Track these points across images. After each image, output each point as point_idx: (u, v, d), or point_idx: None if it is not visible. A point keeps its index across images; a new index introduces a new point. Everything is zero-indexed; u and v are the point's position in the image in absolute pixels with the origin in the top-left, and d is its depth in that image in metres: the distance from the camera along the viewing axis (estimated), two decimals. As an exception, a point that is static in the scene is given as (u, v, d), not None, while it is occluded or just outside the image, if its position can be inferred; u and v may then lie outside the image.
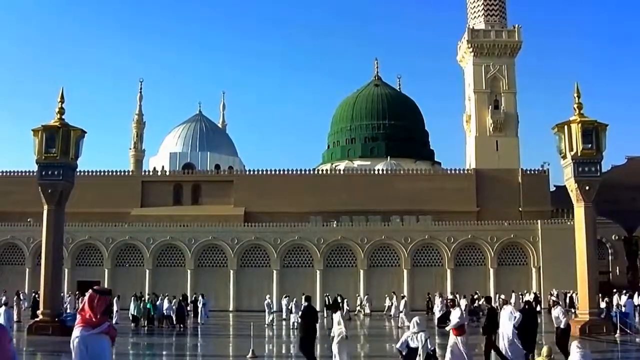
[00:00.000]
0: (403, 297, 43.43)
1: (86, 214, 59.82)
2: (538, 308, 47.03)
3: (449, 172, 72.44)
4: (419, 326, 14.91)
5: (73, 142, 31.71)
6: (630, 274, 65.33)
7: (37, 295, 48.98)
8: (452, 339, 17.24)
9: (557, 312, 21.53)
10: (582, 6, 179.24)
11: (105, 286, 56.49)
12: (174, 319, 37.28)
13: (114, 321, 40.11)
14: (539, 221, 59.58)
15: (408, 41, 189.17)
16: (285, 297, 43.74)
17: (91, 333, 6.88)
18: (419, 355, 14.78)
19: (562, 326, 21.04)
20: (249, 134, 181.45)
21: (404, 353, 15.11)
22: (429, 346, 14.86)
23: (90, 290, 7.16)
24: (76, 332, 6.91)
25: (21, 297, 45.05)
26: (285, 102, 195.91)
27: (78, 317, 7.08)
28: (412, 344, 14.91)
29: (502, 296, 23.07)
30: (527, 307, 20.99)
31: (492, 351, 19.08)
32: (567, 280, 45.21)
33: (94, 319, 6.94)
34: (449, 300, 44.15)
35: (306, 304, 19.84)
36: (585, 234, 31.06)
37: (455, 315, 17.87)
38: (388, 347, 27.25)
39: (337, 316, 19.02)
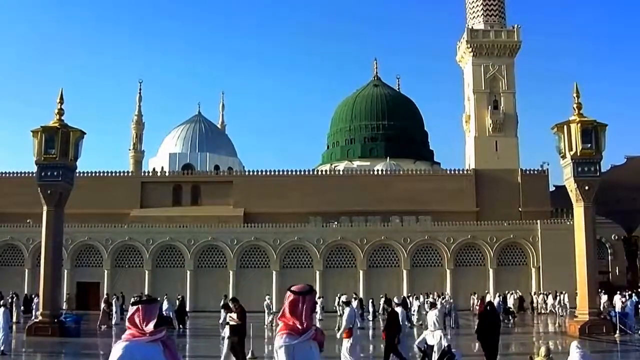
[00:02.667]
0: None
1: (85, 215, 59.78)
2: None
3: (448, 172, 72.44)
4: (435, 325, 15.56)
5: (72, 143, 31.72)
6: (629, 273, 65.39)
7: (29, 296, 49.11)
8: (344, 342, 17.14)
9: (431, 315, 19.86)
10: (581, 6, 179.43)
11: (105, 288, 56.52)
12: (174, 320, 37.22)
13: (113, 322, 40.22)
14: (538, 221, 59.59)
15: (407, 41, 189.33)
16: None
17: (298, 341, 5.91)
18: (435, 351, 15.40)
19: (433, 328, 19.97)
20: (249, 134, 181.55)
21: (422, 349, 15.89)
22: (444, 343, 15.39)
23: (289, 293, 6.04)
24: (279, 340, 5.97)
25: (18, 297, 45.00)
26: (284, 103, 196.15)
27: (280, 323, 6.06)
28: (430, 342, 15.59)
29: (430, 299, 22.64)
30: (488, 308, 20.09)
31: (392, 354, 18.48)
32: (567, 280, 45.20)
33: (298, 326, 5.91)
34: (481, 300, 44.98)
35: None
36: (584, 233, 31.09)
37: (345, 316, 17.63)
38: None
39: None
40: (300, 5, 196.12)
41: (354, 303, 38.77)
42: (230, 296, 54.39)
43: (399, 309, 19.49)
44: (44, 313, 30.63)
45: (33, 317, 35.32)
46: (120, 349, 5.50)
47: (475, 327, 18.86)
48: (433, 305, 19.71)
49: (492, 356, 17.86)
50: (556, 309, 49.35)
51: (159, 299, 7.42)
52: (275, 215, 62.74)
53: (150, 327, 5.51)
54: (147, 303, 5.60)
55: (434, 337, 16.00)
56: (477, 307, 46.24)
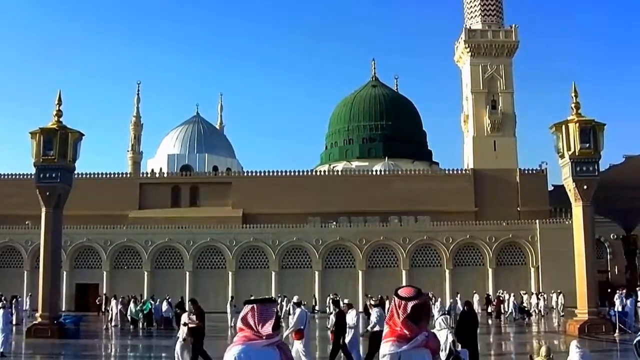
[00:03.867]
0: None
1: (84, 217, 59.68)
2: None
3: (447, 172, 72.49)
4: (442, 325, 15.79)
5: (71, 144, 31.70)
6: (628, 273, 65.35)
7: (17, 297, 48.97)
8: (294, 344, 17.10)
9: (374, 315, 19.63)
10: (578, 6, 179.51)
11: (104, 289, 56.53)
12: (173, 321, 37.23)
13: (112, 323, 40.21)
14: (537, 221, 59.63)
15: (405, 42, 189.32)
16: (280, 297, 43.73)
17: (405, 349, 5.42)
18: (442, 350, 15.62)
19: (376, 329, 18.80)
20: (247, 135, 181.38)
21: None
22: (451, 342, 15.53)
23: (395, 297, 5.57)
24: (384, 348, 5.50)
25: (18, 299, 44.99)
26: (282, 103, 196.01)
27: (386, 328, 5.58)
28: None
29: (346, 300, 22.48)
30: (466, 307, 19.75)
31: (341, 352, 18.41)
32: (566, 279, 45.21)
33: (406, 332, 5.43)
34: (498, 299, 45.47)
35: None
36: (583, 233, 31.11)
37: (294, 318, 17.56)
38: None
39: (351, 313, 19.11)
40: (298, 6, 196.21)
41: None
42: (229, 298, 54.56)
43: (375, 310, 19.31)
44: (43, 315, 30.60)
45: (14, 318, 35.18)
46: (236, 352, 5.08)
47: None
48: (447, 313, 19.94)
49: (473, 356, 17.70)
50: (540, 308, 49.75)
51: (273, 298, 6.94)
52: (274, 216, 62.75)
53: (267, 329, 5.11)
54: (262, 302, 5.24)
55: (441, 336, 16.25)
56: (494, 306, 46.74)
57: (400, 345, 5.44)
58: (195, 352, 18.34)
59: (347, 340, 18.73)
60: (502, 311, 47.17)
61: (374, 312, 19.14)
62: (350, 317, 18.91)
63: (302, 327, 17.14)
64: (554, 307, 51.48)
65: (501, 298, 48.75)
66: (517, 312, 45.96)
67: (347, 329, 18.78)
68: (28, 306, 49.22)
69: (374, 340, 18.01)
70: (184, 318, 19.00)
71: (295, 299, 18.25)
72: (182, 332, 18.78)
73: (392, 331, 5.54)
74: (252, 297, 5.49)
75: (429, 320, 5.75)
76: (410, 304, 5.46)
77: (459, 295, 46.75)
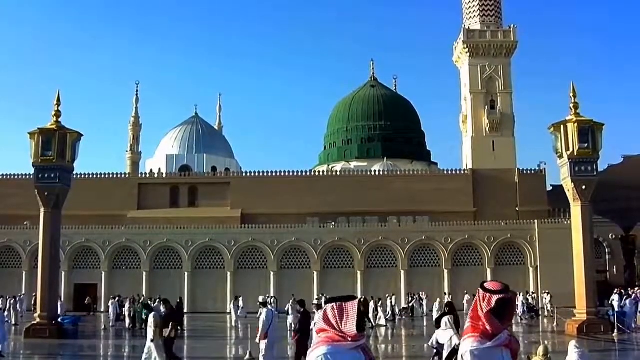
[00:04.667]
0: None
1: (83, 217, 59.65)
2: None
3: (445, 172, 72.51)
4: (446, 325, 16.12)
5: (69, 144, 31.68)
6: (627, 272, 65.47)
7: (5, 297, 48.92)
8: (261, 343, 17.06)
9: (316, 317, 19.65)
10: (577, 6, 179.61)
11: (103, 290, 56.50)
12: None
13: (110, 324, 40.20)
14: (536, 221, 59.62)
15: (404, 42, 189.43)
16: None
17: (487, 346, 5.08)
18: (445, 349, 16.03)
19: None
20: (246, 135, 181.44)
21: (434, 348, 17.19)
22: (455, 342, 16.09)
23: (480, 290, 5.21)
24: (467, 344, 5.16)
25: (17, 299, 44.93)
26: (281, 104, 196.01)
27: (468, 323, 5.23)
28: (441, 341, 16.73)
29: (315, 300, 22.21)
30: (447, 309, 19.30)
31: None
32: (565, 279, 45.21)
33: (489, 328, 5.08)
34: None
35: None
36: (582, 233, 31.13)
37: (261, 318, 17.38)
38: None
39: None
40: (296, 6, 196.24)
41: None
42: (228, 298, 54.53)
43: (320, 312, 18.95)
44: (41, 315, 30.59)
45: None
46: (321, 353, 4.72)
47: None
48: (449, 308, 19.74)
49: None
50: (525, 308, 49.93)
51: (358, 296, 6.38)
52: (272, 216, 62.75)
53: (351, 328, 4.69)
54: (346, 300, 4.82)
55: (444, 336, 16.57)
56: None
57: (483, 342, 5.11)
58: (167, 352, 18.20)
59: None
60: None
61: (262, 315, 18.19)
62: (261, 318, 18.31)
63: (267, 327, 17.08)
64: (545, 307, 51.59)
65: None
66: (526, 311, 46.18)
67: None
68: (24, 306, 49.31)
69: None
70: (152, 319, 18.84)
71: (260, 299, 18.03)
72: (150, 333, 18.65)
73: (473, 327, 5.18)
74: (491, 287, 5.14)
75: (512, 320, 5.32)
76: (495, 297, 5.12)
77: (450, 296, 47.09)
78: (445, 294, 53.16)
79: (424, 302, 52.36)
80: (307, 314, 19.05)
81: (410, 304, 51.04)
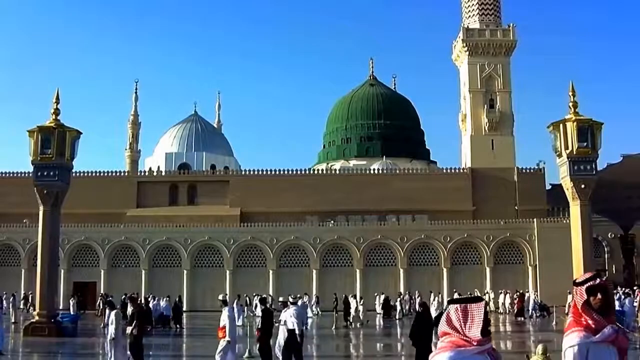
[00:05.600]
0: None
1: (82, 215, 59.68)
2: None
3: (444, 171, 72.56)
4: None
5: (69, 143, 31.67)
6: (626, 272, 65.46)
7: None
8: (221, 342, 17.03)
9: (286, 315, 18.65)
10: (576, 4, 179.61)
11: (102, 287, 56.45)
12: (171, 320, 37.25)
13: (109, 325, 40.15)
14: (535, 220, 59.61)
15: (403, 40, 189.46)
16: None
17: (591, 340, 4.77)
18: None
19: (291, 327, 18.44)
20: (245, 134, 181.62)
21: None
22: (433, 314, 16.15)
23: (574, 286, 4.97)
24: (569, 339, 4.84)
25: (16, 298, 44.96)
26: (280, 102, 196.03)
27: (569, 318, 4.98)
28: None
29: (281, 298, 22.06)
30: (420, 310, 18.89)
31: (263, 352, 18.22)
32: (564, 278, 45.20)
33: (590, 322, 4.79)
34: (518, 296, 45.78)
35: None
36: (581, 232, 31.16)
37: (223, 316, 17.30)
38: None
39: (288, 311, 18.62)
40: (296, 4, 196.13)
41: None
42: (227, 297, 54.52)
43: (292, 308, 18.61)
44: (40, 313, 30.60)
45: None
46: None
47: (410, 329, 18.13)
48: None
49: (424, 356, 17.34)
50: (507, 307, 50.04)
51: (484, 297, 5.50)
52: (271, 215, 62.77)
53: (475, 333, 4.42)
54: (471, 302, 4.54)
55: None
56: (516, 304, 46.97)
57: (588, 336, 4.82)
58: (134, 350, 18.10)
59: (280, 339, 18.37)
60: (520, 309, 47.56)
61: (289, 310, 18.21)
62: (287, 316, 18.31)
63: (224, 325, 16.99)
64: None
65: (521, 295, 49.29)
66: (537, 309, 46.28)
67: (282, 328, 18.27)
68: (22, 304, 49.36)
69: (294, 338, 17.95)
70: (113, 316, 18.79)
71: (220, 297, 17.99)
72: (112, 330, 18.52)
73: (576, 321, 4.92)
74: (588, 282, 4.85)
75: (614, 310, 4.97)
76: (583, 288, 4.86)
77: (434, 296, 46.95)
78: (263, 297, 51.41)
79: (413, 302, 51.25)
80: (268, 312, 18.98)
81: (394, 303, 50.68)
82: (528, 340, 32.94)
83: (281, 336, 18.35)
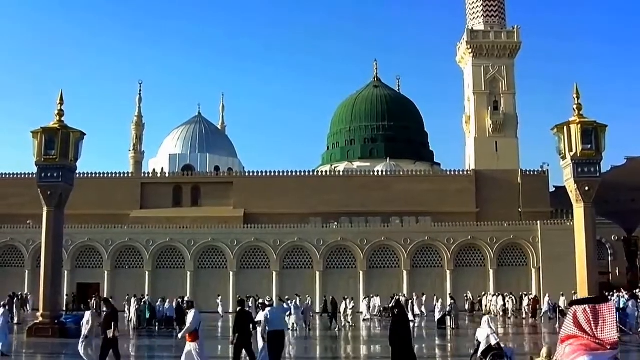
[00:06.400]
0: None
1: (86, 216, 59.79)
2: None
3: (448, 173, 72.50)
4: (486, 324, 17.15)
5: (72, 144, 31.65)
6: (630, 274, 65.31)
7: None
8: (187, 346, 16.91)
9: (259, 316, 18.93)
10: (581, 7, 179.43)
11: (105, 289, 56.49)
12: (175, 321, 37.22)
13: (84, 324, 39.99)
14: (538, 222, 59.57)
15: (407, 42, 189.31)
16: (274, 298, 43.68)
17: (599, 353, 4.42)
18: (481, 346, 17.68)
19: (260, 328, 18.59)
20: (249, 135, 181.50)
21: (475, 345, 18.63)
22: (493, 340, 17.50)
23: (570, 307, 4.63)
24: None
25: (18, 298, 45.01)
26: (284, 104, 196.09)
27: (575, 341, 4.57)
28: (479, 338, 18.05)
29: (262, 300, 22.05)
30: (396, 311, 18.13)
31: (244, 350, 18.18)
32: (567, 280, 45.17)
33: (590, 340, 4.41)
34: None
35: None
36: (585, 234, 31.04)
37: (189, 319, 17.27)
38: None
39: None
40: (300, 6, 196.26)
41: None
42: (230, 298, 54.50)
43: (267, 310, 18.71)
44: (44, 314, 30.61)
45: None
46: None
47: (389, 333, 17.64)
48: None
49: (409, 356, 16.93)
50: (507, 310, 49.93)
51: (607, 297, 5.21)
52: (275, 216, 62.78)
53: (610, 334, 4.18)
54: (598, 302, 4.21)
55: (483, 334, 18.03)
56: (530, 307, 46.98)
57: (594, 354, 4.48)
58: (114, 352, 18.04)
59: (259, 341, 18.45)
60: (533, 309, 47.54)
61: (190, 314, 17.90)
62: (260, 317, 18.52)
63: (196, 329, 16.98)
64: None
65: (537, 298, 49.32)
66: (552, 311, 46.19)
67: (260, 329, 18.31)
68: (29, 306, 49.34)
69: (273, 340, 17.92)
70: (88, 316, 18.70)
71: (186, 298, 17.97)
72: (85, 330, 18.55)
73: (581, 343, 4.56)
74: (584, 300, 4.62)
75: (616, 328, 4.67)
76: (577, 308, 4.61)
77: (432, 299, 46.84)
78: (242, 299, 50.75)
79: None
80: (243, 313, 18.94)
81: (389, 305, 50.47)
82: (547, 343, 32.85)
83: (258, 337, 18.54)
